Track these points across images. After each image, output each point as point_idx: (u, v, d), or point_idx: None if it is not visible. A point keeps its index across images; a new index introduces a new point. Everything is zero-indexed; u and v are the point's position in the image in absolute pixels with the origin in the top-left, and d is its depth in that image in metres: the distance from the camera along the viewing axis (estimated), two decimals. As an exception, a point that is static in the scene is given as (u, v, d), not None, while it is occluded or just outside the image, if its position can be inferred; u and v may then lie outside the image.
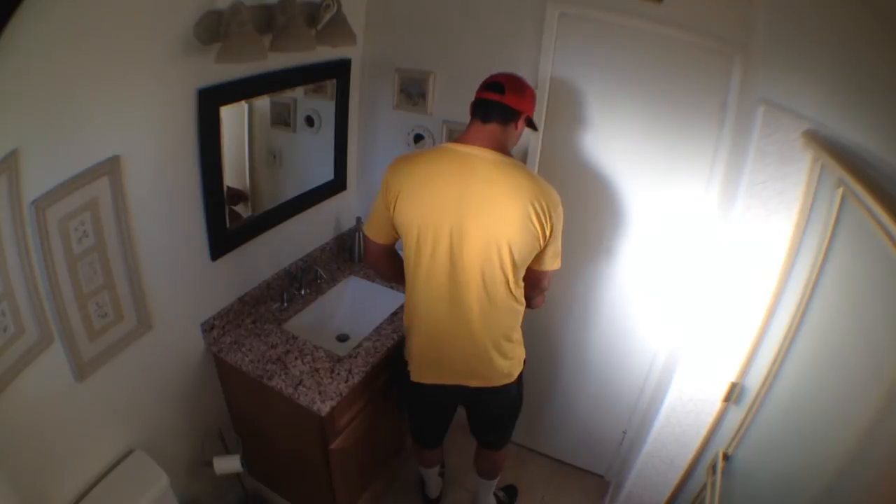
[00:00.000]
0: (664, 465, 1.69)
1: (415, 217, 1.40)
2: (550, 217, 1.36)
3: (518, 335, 1.58)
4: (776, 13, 1.30)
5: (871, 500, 0.77)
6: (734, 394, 1.42)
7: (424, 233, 1.40)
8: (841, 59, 0.96)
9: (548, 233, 1.38)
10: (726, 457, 1.34)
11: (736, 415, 1.39)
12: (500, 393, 1.60)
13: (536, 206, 1.33)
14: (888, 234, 0.74)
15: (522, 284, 1.48)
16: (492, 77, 1.42)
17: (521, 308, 1.52)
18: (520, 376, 1.64)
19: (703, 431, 1.54)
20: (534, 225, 1.34)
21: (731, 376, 1.43)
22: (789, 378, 1.17)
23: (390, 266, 1.63)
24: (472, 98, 1.94)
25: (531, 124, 1.52)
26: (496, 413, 1.74)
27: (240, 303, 1.81)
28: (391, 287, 2.09)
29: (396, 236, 1.50)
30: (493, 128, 1.38)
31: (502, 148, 1.39)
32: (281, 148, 1.94)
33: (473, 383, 1.57)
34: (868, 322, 0.88)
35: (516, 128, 1.43)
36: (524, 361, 1.64)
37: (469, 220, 1.36)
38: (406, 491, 2.26)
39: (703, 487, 1.41)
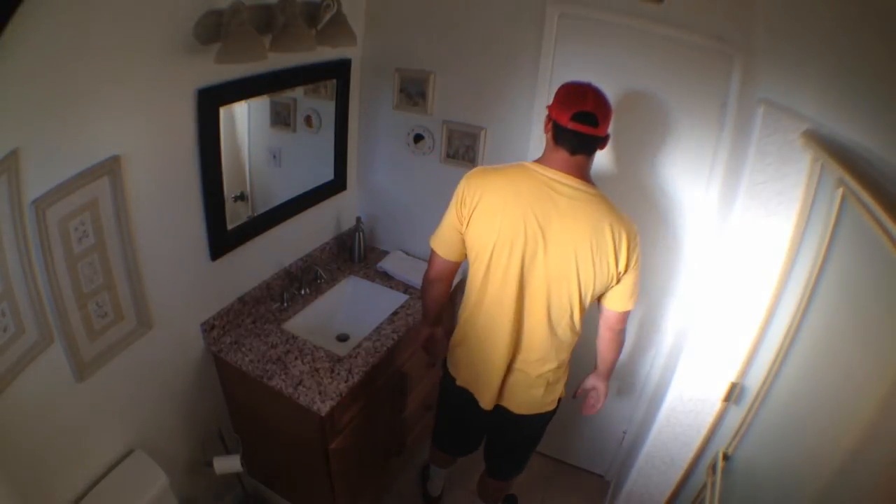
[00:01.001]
0: (664, 464, 1.69)
1: (489, 235, 1.34)
2: (626, 250, 1.30)
3: (566, 365, 1.53)
4: (776, 13, 1.30)
5: (871, 500, 0.77)
6: (734, 394, 1.42)
7: (499, 252, 1.34)
8: (841, 58, 0.96)
9: (622, 268, 1.33)
10: (726, 457, 1.34)
11: (736, 415, 1.39)
12: (535, 419, 1.57)
13: (614, 239, 1.28)
14: (888, 234, 0.74)
15: (586, 307, 1.42)
16: (577, 99, 1.26)
17: (574, 341, 1.48)
18: (555, 411, 1.60)
19: (703, 431, 1.55)
20: (608, 258, 1.30)
21: (731, 376, 1.43)
22: (789, 378, 1.17)
23: (446, 289, 1.55)
24: (472, 98, 1.94)
25: None
26: (523, 436, 1.69)
27: (240, 303, 1.81)
28: (391, 287, 2.09)
29: (464, 254, 1.44)
30: (579, 159, 1.30)
31: (585, 175, 1.33)
32: (281, 148, 1.93)
33: (509, 406, 1.55)
34: (868, 322, 0.88)
35: (601, 148, 1.34)
36: (559, 400, 1.59)
37: (543, 246, 1.31)
38: (406, 491, 2.26)
39: (703, 487, 1.41)
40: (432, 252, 1.48)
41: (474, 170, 1.40)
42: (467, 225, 1.37)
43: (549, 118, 1.31)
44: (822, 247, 1.06)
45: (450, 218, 1.41)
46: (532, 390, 1.51)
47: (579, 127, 1.25)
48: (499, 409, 1.56)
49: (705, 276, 1.61)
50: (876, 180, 0.81)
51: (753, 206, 1.29)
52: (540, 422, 1.61)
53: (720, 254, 1.44)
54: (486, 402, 1.54)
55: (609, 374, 1.63)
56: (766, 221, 1.29)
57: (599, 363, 1.61)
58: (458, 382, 1.60)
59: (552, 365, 1.47)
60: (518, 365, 1.48)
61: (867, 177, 0.83)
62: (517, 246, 1.32)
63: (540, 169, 1.31)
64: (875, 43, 0.84)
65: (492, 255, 1.35)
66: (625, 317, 1.45)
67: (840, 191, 0.98)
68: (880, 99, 0.82)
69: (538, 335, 1.42)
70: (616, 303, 1.41)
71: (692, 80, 1.56)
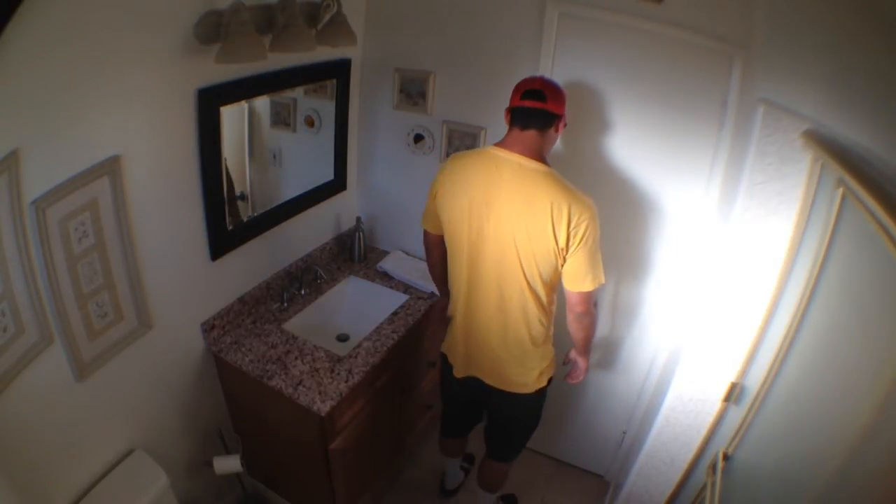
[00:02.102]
0: (664, 465, 1.69)
1: (448, 215, 1.47)
2: (567, 225, 1.31)
3: (540, 348, 1.55)
4: (776, 13, 1.29)
5: (871, 500, 0.77)
6: (734, 394, 1.42)
7: (454, 231, 1.47)
8: (841, 58, 0.96)
9: (564, 243, 1.34)
10: (726, 457, 1.34)
11: (736, 415, 1.39)
12: (512, 398, 1.61)
13: (552, 213, 1.31)
14: (888, 234, 0.74)
15: (550, 296, 1.47)
16: (526, 83, 1.41)
17: (544, 318, 1.50)
18: (540, 393, 1.63)
19: (703, 431, 1.54)
20: (547, 232, 1.32)
21: (731, 376, 1.43)
22: (789, 378, 1.16)
23: (439, 255, 1.65)
24: (472, 98, 1.94)
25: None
26: (506, 415, 1.74)
27: (240, 303, 1.81)
28: (391, 287, 2.09)
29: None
30: (531, 134, 1.38)
31: (537, 154, 1.39)
32: (281, 148, 1.93)
33: (488, 381, 1.61)
34: (868, 322, 0.88)
35: (556, 131, 1.43)
36: (549, 380, 1.63)
37: (488, 223, 1.39)
38: (406, 491, 2.26)
39: (703, 487, 1.41)
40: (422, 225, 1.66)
41: (453, 154, 1.53)
42: (436, 204, 1.51)
43: (507, 110, 1.44)
44: (822, 247, 1.06)
45: (429, 197, 1.56)
46: (497, 365, 1.56)
47: (527, 102, 1.38)
48: (477, 382, 1.64)
49: (705, 276, 1.60)
50: (876, 180, 0.81)
51: (753, 206, 1.29)
52: (522, 403, 1.63)
53: (720, 254, 1.44)
54: (457, 369, 1.66)
55: (584, 352, 1.69)
56: (766, 221, 1.29)
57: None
58: (441, 348, 1.74)
59: (511, 340, 1.51)
60: (478, 336, 1.55)
61: (867, 177, 0.83)
62: (466, 224, 1.43)
63: (494, 149, 1.41)
64: (875, 42, 0.84)
65: (452, 231, 1.49)
66: (583, 298, 1.44)
67: (840, 191, 0.98)
68: (880, 99, 0.82)
69: (491, 309, 1.49)
70: (569, 282, 1.41)
71: (692, 79, 1.56)
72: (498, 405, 1.70)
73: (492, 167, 1.38)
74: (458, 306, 1.58)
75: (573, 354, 1.73)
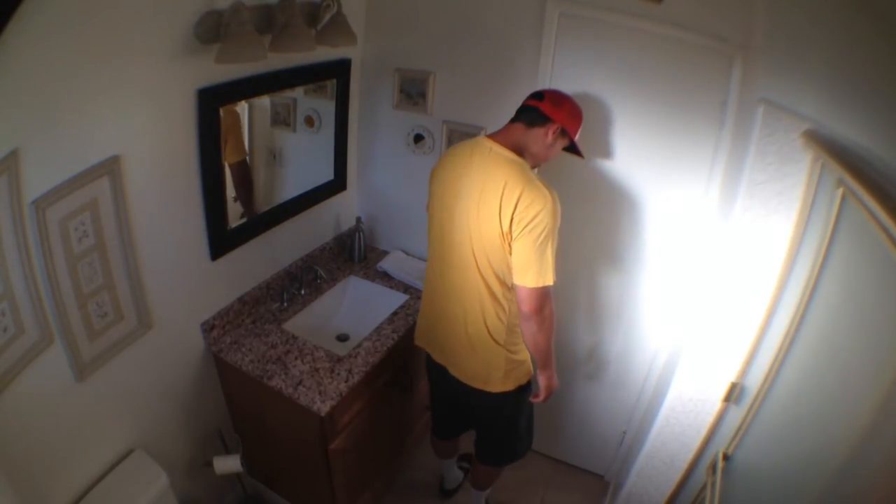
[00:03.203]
0: (664, 465, 1.69)
1: (432, 201, 1.54)
2: (514, 208, 1.27)
3: (502, 348, 1.49)
4: (776, 13, 1.30)
5: (872, 500, 0.77)
6: (734, 394, 1.42)
7: (433, 215, 1.53)
8: (841, 58, 0.96)
9: (508, 226, 1.29)
10: (726, 457, 1.34)
11: (736, 415, 1.39)
12: (479, 395, 1.58)
13: (503, 192, 1.29)
14: (888, 234, 0.74)
15: (503, 289, 1.43)
16: (541, 89, 1.49)
17: (503, 313, 1.46)
18: (514, 397, 1.58)
19: (703, 431, 1.54)
20: (494, 210, 1.30)
21: (731, 376, 1.43)
22: (789, 378, 1.16)
23: None
24: (472, 98, 1.94)
25: (575, 149, 1.53)
26: (483, 417, 1.73)
27: (240, 303, 1.81)
28: (391, 287, 2.09)
29: None
30: (516, 126, 1.43)
31: (517, 147, 1.40)
32: (281, 148, 1.93)
33: (452, 371, 1.63)
34: (868, 322, 0.88)
35: (546, 135, 1.41)
36: (522, 386, 1.57)
37: (456, 208, 1.43)
38: (406, 491, 2.26)
39: (703, 487, 1.41)
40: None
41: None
42: (430, 193, 1.55)
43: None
44: (822, 247, 1.06)
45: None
46: (460, 356, 1.57)
47: (526, 101, 1.46)
48: (453, 378, 1.63)
49: (705, 276, 1.60)
50: (876, 180, 0.81)
51: (753, 206, 1.29)
52: (490, 401, 1.57)
53: (720, 254, 1.44)
54: (435, 356, 1.68)
55: (540, 364, 1.53)
56: (766, 221, 1.29)
57: None
58: (416, 341, 1.74)
59: (473, 331, 1.50)
60: (445, 323, 1.58)
61: (867, 177, 0.83)
62: (440, 209, 1.48)
63: (480, 139, 1.44)
64: (875, 42, 0.84)
65: (430, 216, 1.55)
66: (527, 296, 1.34)
67: (840, 191, 0.98)
68: (880, 99, 0.82)
69: (454, 296, 1.52)
70: (515, 273, 1.35)
71: (692, 79, 1.56)
72: (471, 404, 1.70)
73: (467, 153, 1.42)
74: (428, 290, 1.63)
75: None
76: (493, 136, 1.43)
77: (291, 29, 1.42)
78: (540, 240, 1.30)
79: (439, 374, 1.70)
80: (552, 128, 1.41)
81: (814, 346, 1.08)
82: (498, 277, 1.42)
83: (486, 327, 1.49)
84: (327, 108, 1.97)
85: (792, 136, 1.18)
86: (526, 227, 1.29)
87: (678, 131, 1.64)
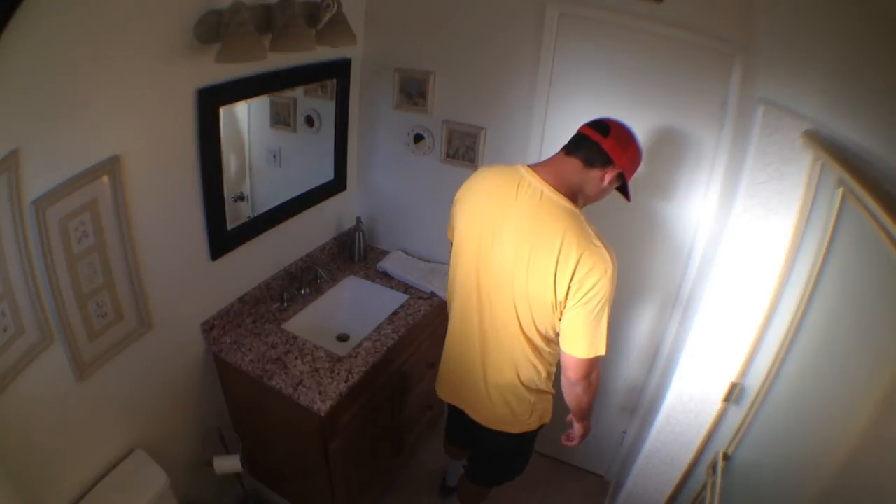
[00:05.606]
0: (664, 464, 1.69)
1: (458, 225, 1.36)
2: (572, 272, 1.14)
3: (534, 393, 1.43)
4: (776, 13, 1.29)
5: (872, 500, 0.77)
6: (734, 394, 1.42)
7: (460, 252, 1.36)
8: (841, 58, 0.96)
9: (564, 295, 1.16)
10: (726, 457, 1.34)
11: (736, 415, 1.39)
12: (493, 435, 1.54)
13: (560, 251, 1.14)
14: (888, 234, 0.74)
15: (549, 337, 1.30)
16: (604, 118, 1.28)
17: (542, 364, 1.37)
18: (533, 435, 1.55)
19: (703, 431, 1.54)
20: (548, 270, 1.16)
21: (731, 376, 1.43)
22: (789, 378, 1.17)
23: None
24: (472, 98, 1.94)
25: (625, 190, 1.33)
26: (489, 449, 1.69)
27: (240, 303, 1.81)
28: (391, 287, 2.09)
29: None
30: (572, 162, 1.23)
31: (570, 188, 1.22)
32: (281, 148, 1.93)
33: (469, 413, 1.56)
34: (868, 322, 0.88)
35: (602, 179, 1.24)
36: (537, 429, 1.53)
37: (496, 255, 1.26)
38: (406, 491, 2.26)
39: (703, 487, 1.41)
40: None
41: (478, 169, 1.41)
42: (454, 212, 1.39)
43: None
44: (822, 247, 1.06)
45: (452, 205, 1.42)
46: (481, 399, 1.48)
47: (587, 129, 1.26)
48: (462, 414, 1.58)
49: (705, 276, 1.60)
50: (876, 180, 0.81)
51: (753, 206, 1.29)
52: (513, 440, 1.53)
53: (720, 254, 1.44)
54: (441, 390, 1.64)
55: (578, 417, 1.51)
56: (766, 221, 1.29)
57: None
58: (439, 394, 1.68)
59: (500, 377, 1.39)
60: (467, 366, 1.47)
61: (867, 177, 0.83)
62: (474, 243, 1.30)
63: (524, 169, 1.25)
64: (875, 42, 0.84)
65: (458, 243, 1.37)
66: (575, 364, 1.26)
67: (840, 191, 0.98)
68: (880, 99, 0.82)
69: (482, 339, 1.39)
70: (563, 340, 1.25)
71: (692, 79, 1.56)
72: (481, 436, 1.60)
73: (511, 187, 1.22)
74: (452, 327, 1.49)
75: (570, 417, 1.55)
76: (541, 172, 1.23)
77: (291, 29, 1.42)
78: (596, 311, 1.18)
79: (459, 409, 1.61)
80: (613, 172, 1.24)
81: (814, 346, 1.08)
82: (542, 335, 1.29)
83: (517, 377, 1.38)
84: (327, 108, 1.97)
85: (792, 136, 1.18)
86: (583, 297, 1.16)
87: (678, 131, 1.64)
